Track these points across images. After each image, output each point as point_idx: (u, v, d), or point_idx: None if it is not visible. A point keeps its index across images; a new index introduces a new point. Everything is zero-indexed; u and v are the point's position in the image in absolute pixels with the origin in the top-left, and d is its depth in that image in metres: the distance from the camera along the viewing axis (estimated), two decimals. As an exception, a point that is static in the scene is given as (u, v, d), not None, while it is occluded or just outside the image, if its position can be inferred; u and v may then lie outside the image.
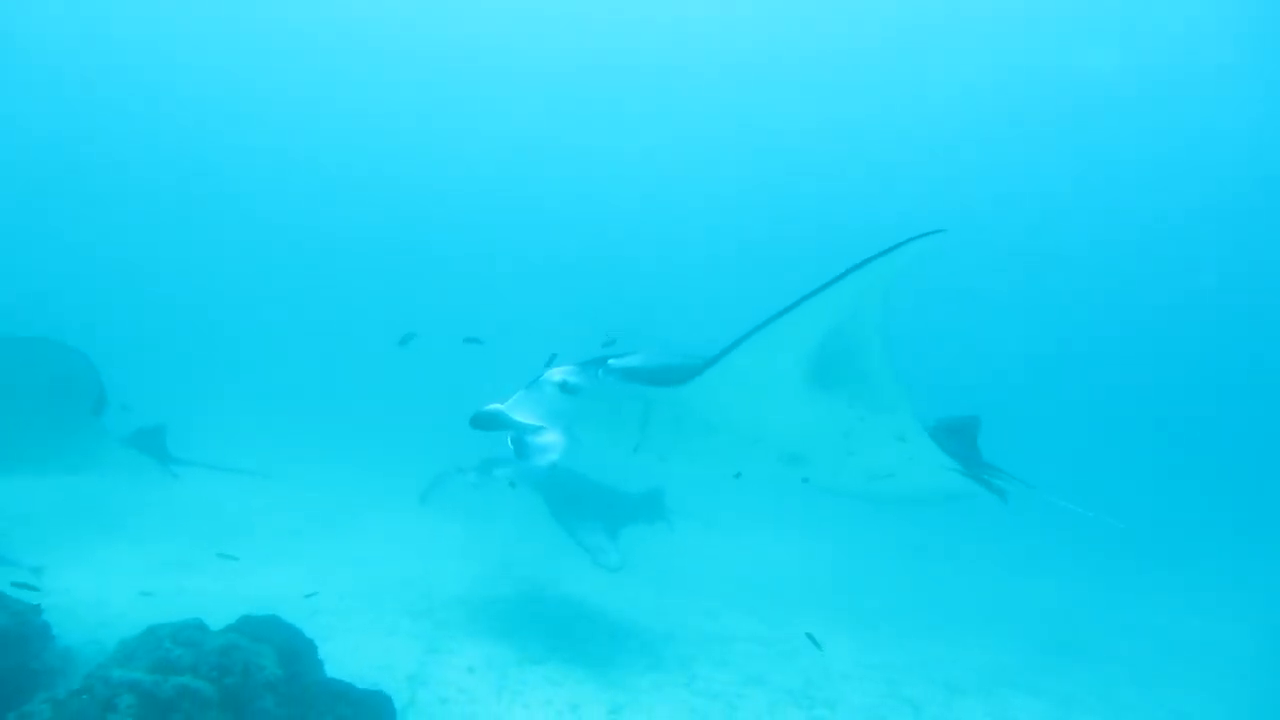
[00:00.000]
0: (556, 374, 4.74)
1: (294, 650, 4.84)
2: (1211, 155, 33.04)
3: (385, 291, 37.02)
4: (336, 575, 9.61)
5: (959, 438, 5.33)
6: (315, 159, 39.32)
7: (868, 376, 4.15)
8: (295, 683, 4.33)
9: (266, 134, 38.49)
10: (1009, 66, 32.01)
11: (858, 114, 36.33)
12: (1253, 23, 26.83)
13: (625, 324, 10.63)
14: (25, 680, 4.49)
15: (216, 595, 8.19)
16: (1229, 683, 10.49)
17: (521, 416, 4.55)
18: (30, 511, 10.11)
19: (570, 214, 41.17)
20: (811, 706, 7.68)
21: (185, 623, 4.55)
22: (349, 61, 36.12)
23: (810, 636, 7.32)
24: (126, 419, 8.84)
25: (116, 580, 8.34)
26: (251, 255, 38.19)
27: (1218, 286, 36.58)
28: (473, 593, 9.65)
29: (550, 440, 4.49)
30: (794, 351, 3.99)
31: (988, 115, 35.07)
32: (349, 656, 7.21)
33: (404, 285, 37.99)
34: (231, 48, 34.92)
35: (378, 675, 6.85)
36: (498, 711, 6.63)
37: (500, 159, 40.00)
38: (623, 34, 34.56)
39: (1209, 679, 10.58)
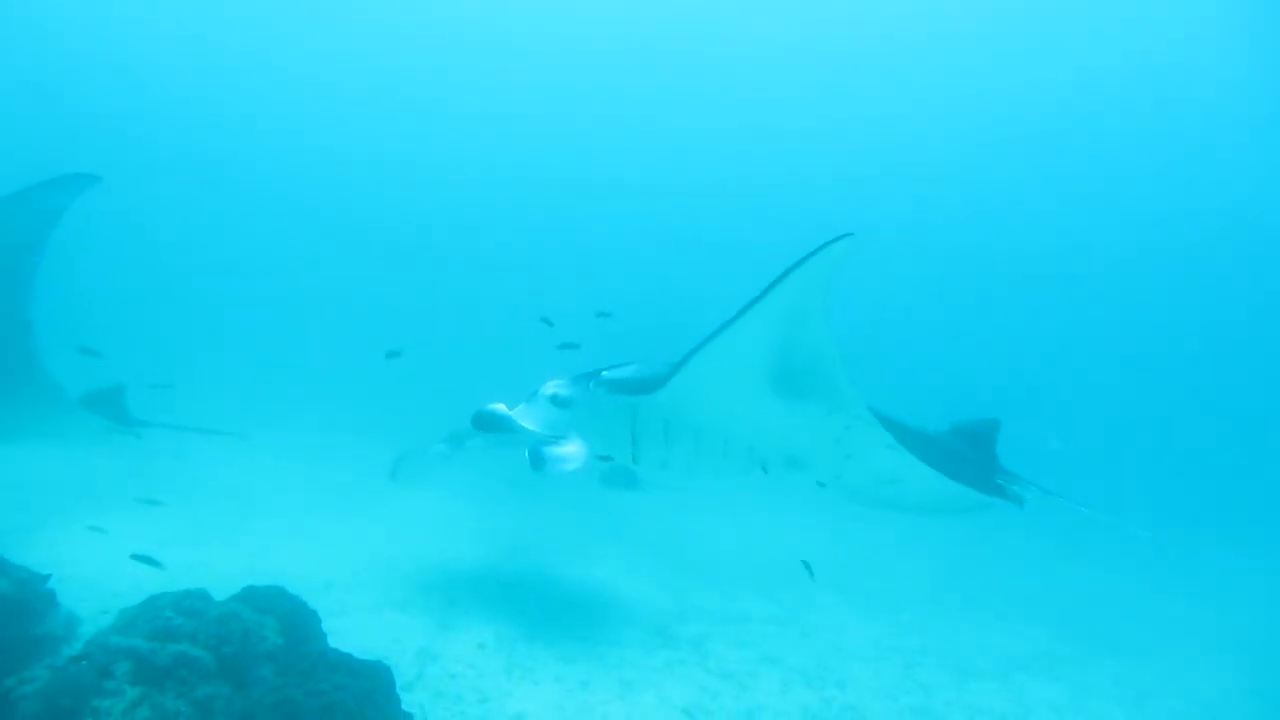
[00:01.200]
0: (550, 387, 4.95)
1: (297, 621, 4.84)
2: (1220, 161, 32.51)
3: (387, 272, 37.03)
4: (350, 551, 9.63)
5: (976, 442, 5.33)
6: (318, 143, 39.31)
7: (834, 384, 4.25)
8: (294, 652, 4.32)
9: (272, 118, 38.46)
10: (1016, 68, 31.48)
11: (870, 113, 35.97)
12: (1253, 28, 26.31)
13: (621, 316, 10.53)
14: (27, 647, 4.51)
15: (230, 568, 8.22)
16: (1248, 670, 10.32)
17: (523, 422, 4.77)
18: (32, 480, 10.17)
19: (570, 207, 41.09)
20: (823, 686, 7.62)
21: (188, 592, 4.56)
22: (348, 50, 36.01)
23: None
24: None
25: (129, 552, 8.39)
26: (259, 235, 38.23)
27: (1231, 289, 36.22)
28: (485, 571, 9.64)
29: (564, 451, 4.69)
30: (748, 360, 4.12)
31: (996, 119, 34.63)
32: (359, 632, 7.24)
33: (402, 266, 38.04)
34: (223, 40, 34.84)
35: (387, 649, 6.87)
36: (507, 687, 6.62)
37: (498, 152, 39.91)
38: (637, 33, 34.28)
39: (1228, 666, 10.41)
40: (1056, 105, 32.95)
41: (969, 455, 5.20)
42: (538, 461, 4.65)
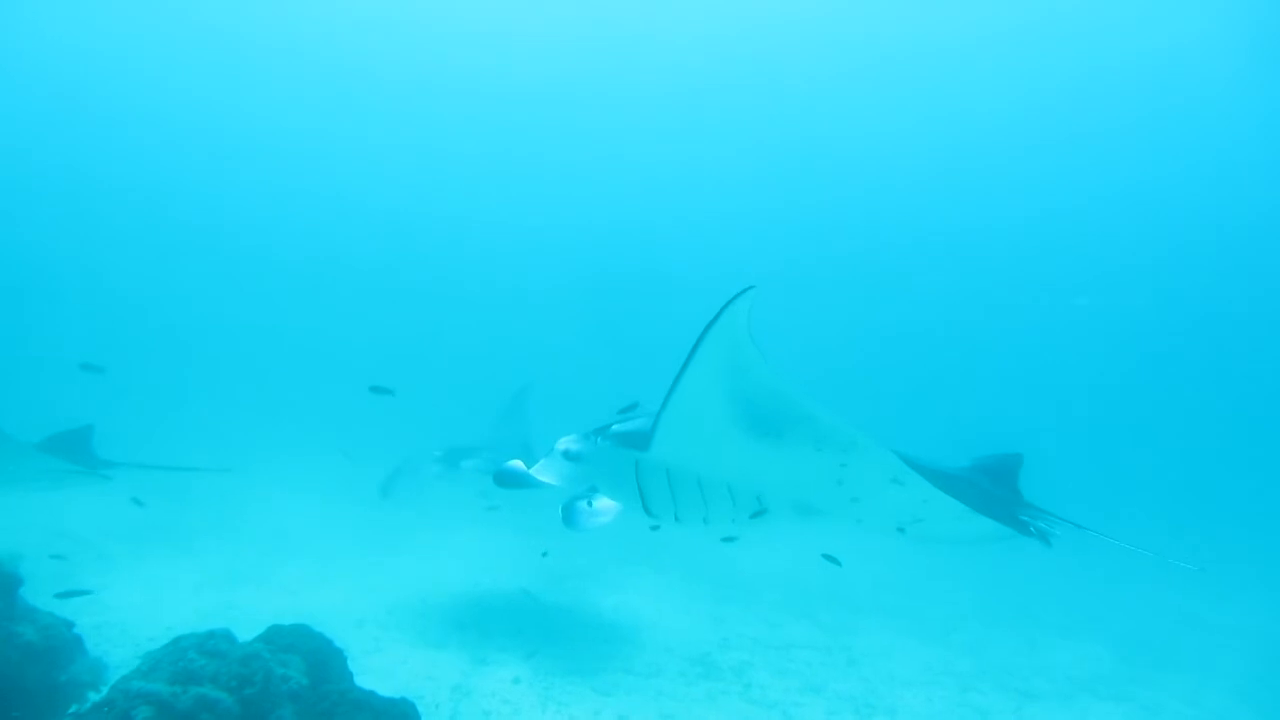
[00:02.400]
0: (564, 443, 5.09)
1: (322, 659, 4.71)
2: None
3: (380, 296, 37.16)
4: (382, 588, 9.55)
5: (998, 477, 5.16)
6: (310, 166, 39.36)
7: (810, 421, 4.21)
8: (317, 691, 4.18)
9: (263, 136, 38.53)
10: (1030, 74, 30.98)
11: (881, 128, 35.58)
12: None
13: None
14: (51, 694, 4.43)
15: (263, 608, 8.18)
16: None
17: (541, 478, 4.92)
18: (73, 528, 10.27)
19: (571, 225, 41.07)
20: (871, 714, 7.29)
21: (212, 632, 4.46)
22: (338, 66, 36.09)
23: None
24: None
25: (168, 595, 8.40)
26: (259, 267, 38.59)
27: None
28: (521, 605, 9.48)
29: (597, 507, 4.87)
30: (708, 413, 4.18)
31: (997, 127, 34.08)
32: (393, 668, 7.13)
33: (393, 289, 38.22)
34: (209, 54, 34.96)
35: (421, 686, 6.74)
36: (542, 722, 6.43)
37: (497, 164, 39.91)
38: (638, 50, 34.22)
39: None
40: (1054, 110, 32.36)
41: (992, 490, 5.05)
42: (570, 518, 4.79)
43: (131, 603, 7.99)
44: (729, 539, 5.14)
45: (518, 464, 5.01)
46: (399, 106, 36.46)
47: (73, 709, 4.42)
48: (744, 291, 3.57)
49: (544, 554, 8.77)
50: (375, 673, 6.71)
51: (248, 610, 8.03)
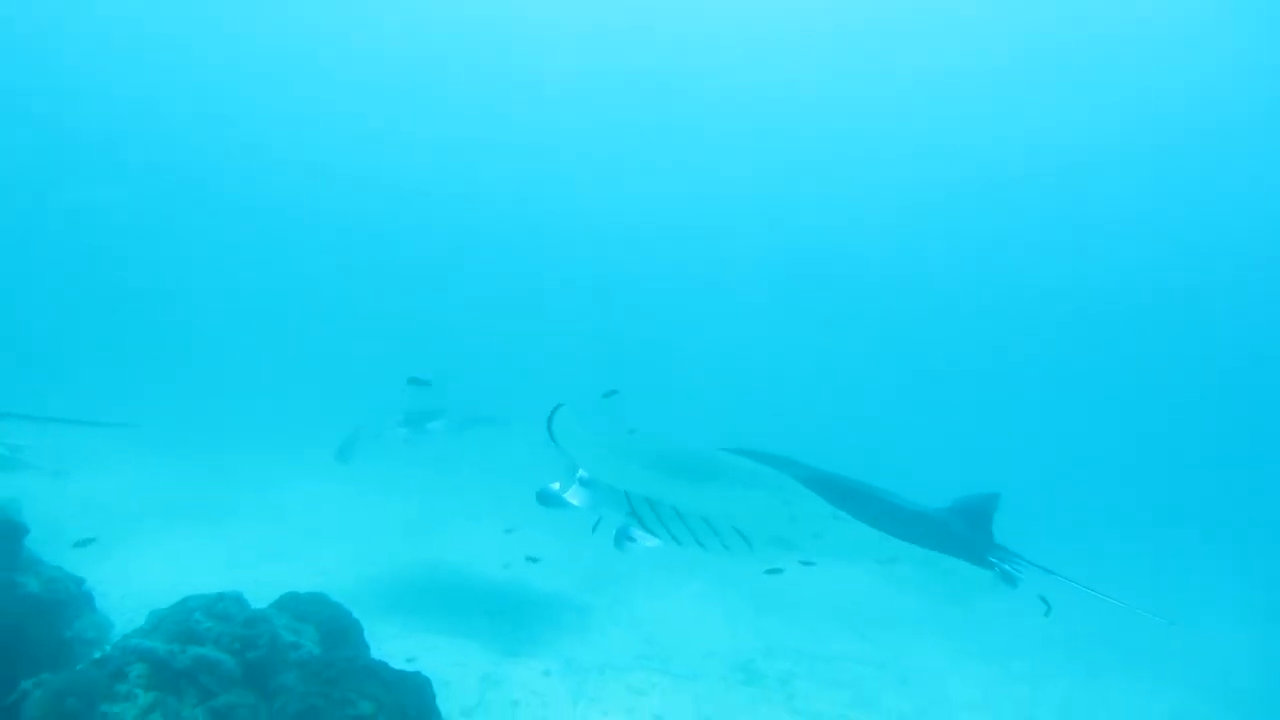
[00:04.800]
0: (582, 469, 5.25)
1: (339, 629, 4.43)
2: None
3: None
4: (417, 576, 9.29)
5: (974, 519, 5.04)
6: (317, 159, 39.37)
7: (711, 469, 4.29)
8: (324, 659, 3.88)
9: (268, 129, 38.61)
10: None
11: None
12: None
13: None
14: (55, 650, 4.21)
15: (294, 587, 7.95)
16: None
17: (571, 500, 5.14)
18: (108, 501, 10.19)
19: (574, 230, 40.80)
20: (928, 734, 6.78)
21: (221, 595, 4.20)
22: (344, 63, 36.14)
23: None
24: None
25: (197, 568, 8.23)
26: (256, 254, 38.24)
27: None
28: (560, 599, 9.14)
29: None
30: (626, 473, 4.50)
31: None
32: (423, 654, 6.82)
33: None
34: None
35: (449, 672, 6.41)
36: (573, 717, 6.06)
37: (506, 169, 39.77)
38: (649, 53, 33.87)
39: None
40: (1054, 134, 31.55)
41: (962, 533, 4.90)
42: (620, 542, 5.04)
43: (157, 573, 7.83)
44: (774, 570, 5.13)
45: (555, 485, 5.17)
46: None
47: (80, 667, 4.18)
48: (556, 409, 3.72)
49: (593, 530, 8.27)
50: (402, 657, 6.41)
51: (276, 588, 7.81)
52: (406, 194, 40.40)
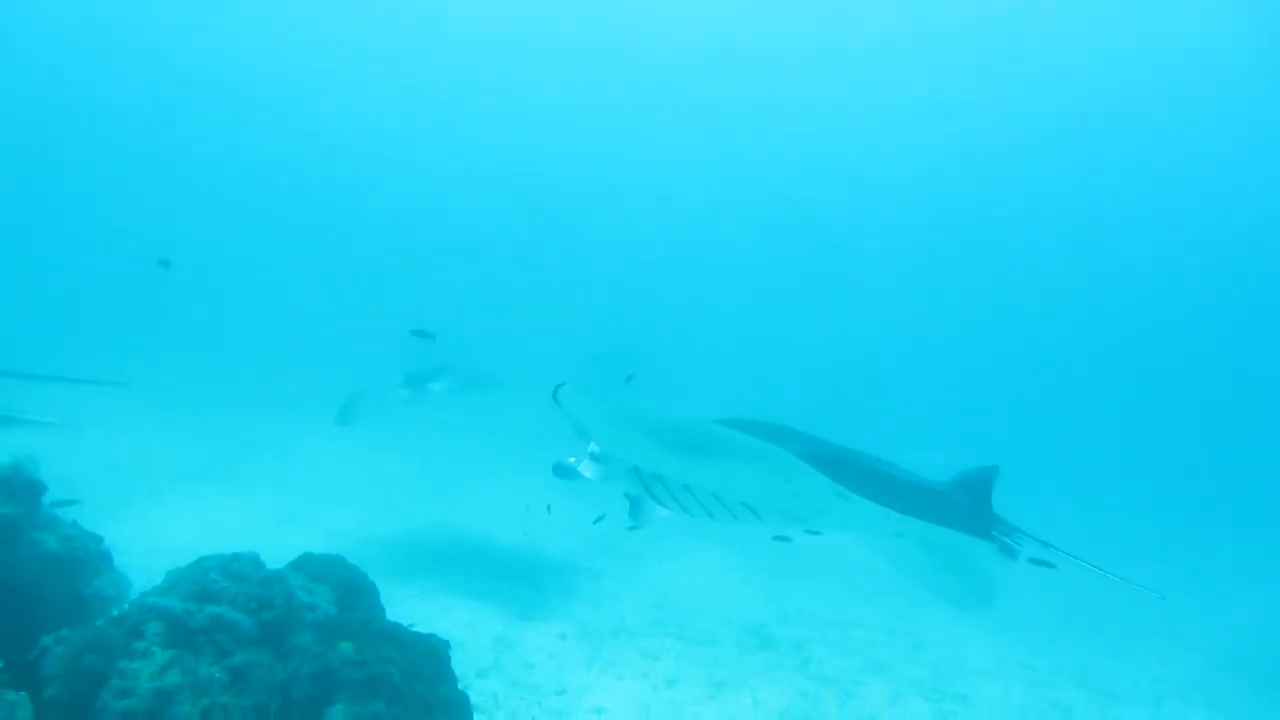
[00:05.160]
0: (593, 444, 5.38)
1: (354, 591, 4.45)
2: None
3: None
4: (435, 539, 9.36)
5: (974, 491, 5.08)
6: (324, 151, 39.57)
7: (712, 444, 4.31)
8: (340, 620, 3.89)
9: (272, 120, 38.72)
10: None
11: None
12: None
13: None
14: (75, 606, 4.24)
15: (313, 549, 8.01)
16: None
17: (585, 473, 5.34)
18: (129, 463, 10.26)
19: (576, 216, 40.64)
20: (941, 699, 6.77)
21: (237, 555, 4.20)
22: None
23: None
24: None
25: (218, 530, 8.29)
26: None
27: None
28: (577, 564, 9.19)
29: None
30: (633, 446, 4.67)
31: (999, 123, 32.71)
32: (438, 616, 6.86)
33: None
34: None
35: (463, 634, 6.46)
36: (588, 680, 6.10)
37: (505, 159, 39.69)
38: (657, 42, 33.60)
39: None
40: (1053, 112, 31.00)
41: (963, 504, 4.94)
42: (635, 515, 5.36)
43: (178, 536, 7.88)
44: (781, 538, 5.20)
45: (571, 460, 5.36)
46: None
47: (99, 624, 4.21)
48: (560, 386, 3.85)
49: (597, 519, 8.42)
50: (417, 618, 6.42)
51: (290, 549, 7.86)
52: (416, 162, 40.40)
